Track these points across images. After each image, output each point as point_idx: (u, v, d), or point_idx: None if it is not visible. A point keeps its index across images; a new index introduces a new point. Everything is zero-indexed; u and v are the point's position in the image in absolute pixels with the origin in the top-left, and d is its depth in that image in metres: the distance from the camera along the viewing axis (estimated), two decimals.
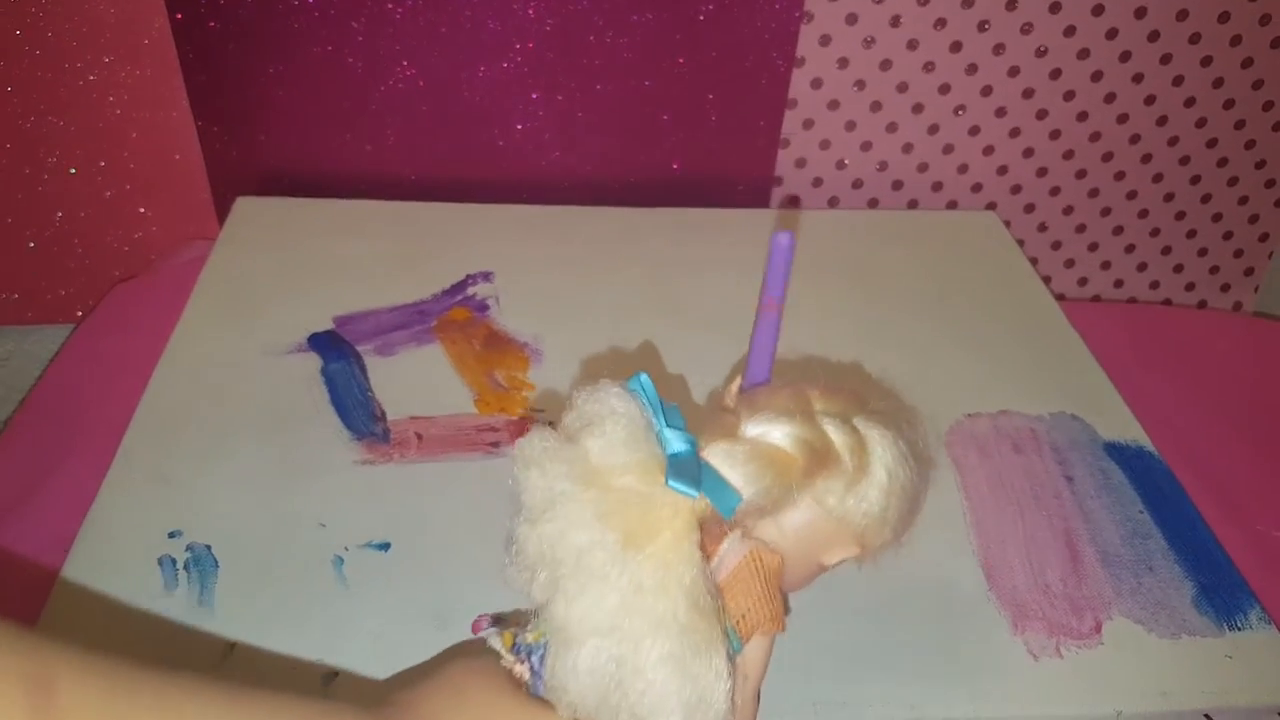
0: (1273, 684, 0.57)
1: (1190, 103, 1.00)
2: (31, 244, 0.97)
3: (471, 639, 0.45)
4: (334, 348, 0.75)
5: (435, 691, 0.40)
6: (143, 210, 0.97)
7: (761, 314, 0.45)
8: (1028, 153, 1.03)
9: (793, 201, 1.02)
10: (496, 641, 0.42)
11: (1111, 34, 0.95)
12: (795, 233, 0.44)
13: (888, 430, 0.42)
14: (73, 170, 0.94)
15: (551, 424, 0.41)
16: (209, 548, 0.59)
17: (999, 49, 0.96)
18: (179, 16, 0.87)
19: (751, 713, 0.42)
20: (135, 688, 0.31)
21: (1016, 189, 1.05)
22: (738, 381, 0.45)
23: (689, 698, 0.36)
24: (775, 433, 0.40)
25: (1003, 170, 1.04)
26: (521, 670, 0.41)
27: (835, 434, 0.41)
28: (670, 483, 0.37)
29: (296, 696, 0.36)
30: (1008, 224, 0.97)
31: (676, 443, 0.39)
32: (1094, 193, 1.06)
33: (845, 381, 0.69)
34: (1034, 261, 1.07)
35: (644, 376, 0.41)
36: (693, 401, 0.73)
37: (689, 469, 0.38)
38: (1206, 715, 0.56)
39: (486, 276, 0.83)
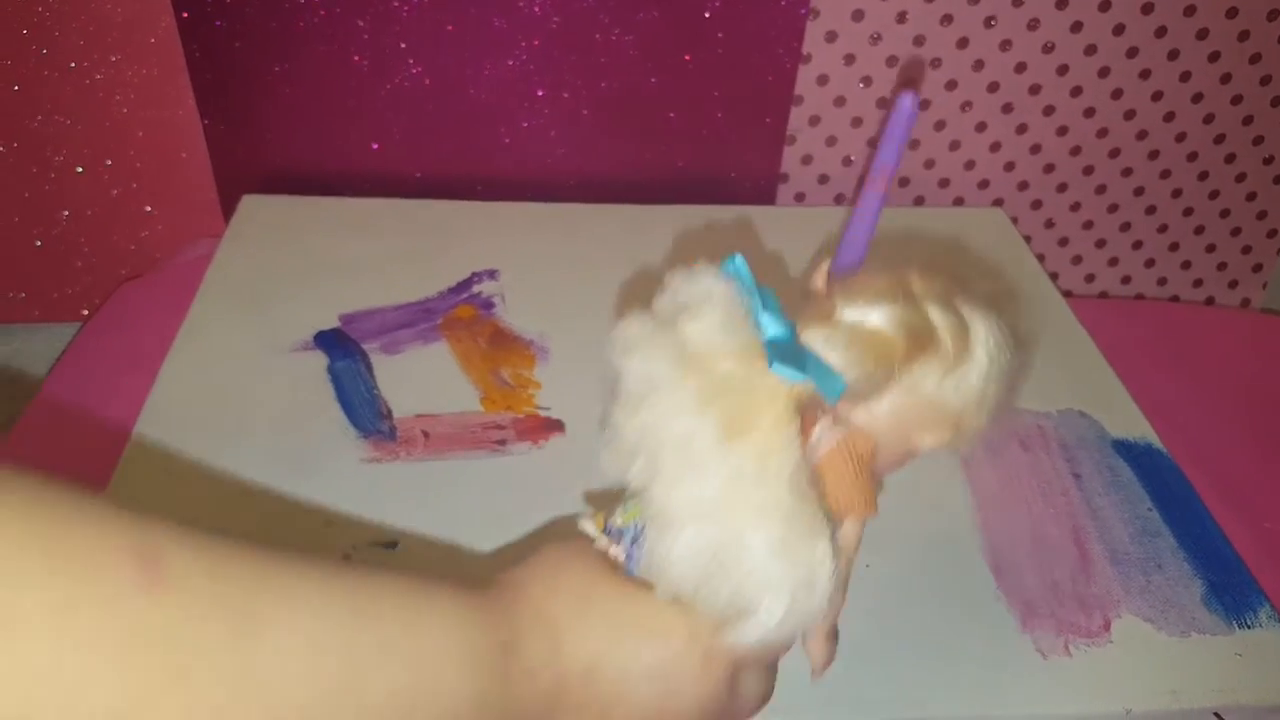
0: None
1: (1198, 98, 1.00)
2: (38, 242, 0.97)
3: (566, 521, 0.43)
4: (340, 346, 0.75)
5: (535, 570, 0.40)
6: (149, 209, 0.97)
7: (867, 187, 0.42)
8: (1035, 149, 1.02)
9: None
10: (589, 525, 0.42)
11: (1119, 30, 0.95)
12: (919, 96, 0.41)
13: (989, 313, 0.41)
14: (79, 169, 0.94)
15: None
16: None
17: (1005, 45, 0.95)
18: (185, 15, 0.87)
19: (840, 596, 0.41)
20: (241, 563, 0.31)
21: (1023, 185, 1.05)
22: (826, 263, 0.43)
23: (794, 582, 0.36)
24: (875, 315, 0.39)
25: (1009, 167, 1.03)
26: (616, 552, 0.41)
27: (937, 316, 0.40)
28: (774, 368, 0.36)
29: (398, 574, 0.36)
30: (1015, 220, 0.97)
31: (775, 326, 0.38)
32: (1101, 189, 1.06)
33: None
34: (1041, 258, 1.07)
35: (739, 259, 0.40)
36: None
37: (791, 353, 0.37)
38: (1216, 714, 0.55)
39: (492, 274, 0.83)
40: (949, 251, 0.90)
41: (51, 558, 0.26)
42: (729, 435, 0.36)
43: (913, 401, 0.40)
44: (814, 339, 0.38)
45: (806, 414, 0.39)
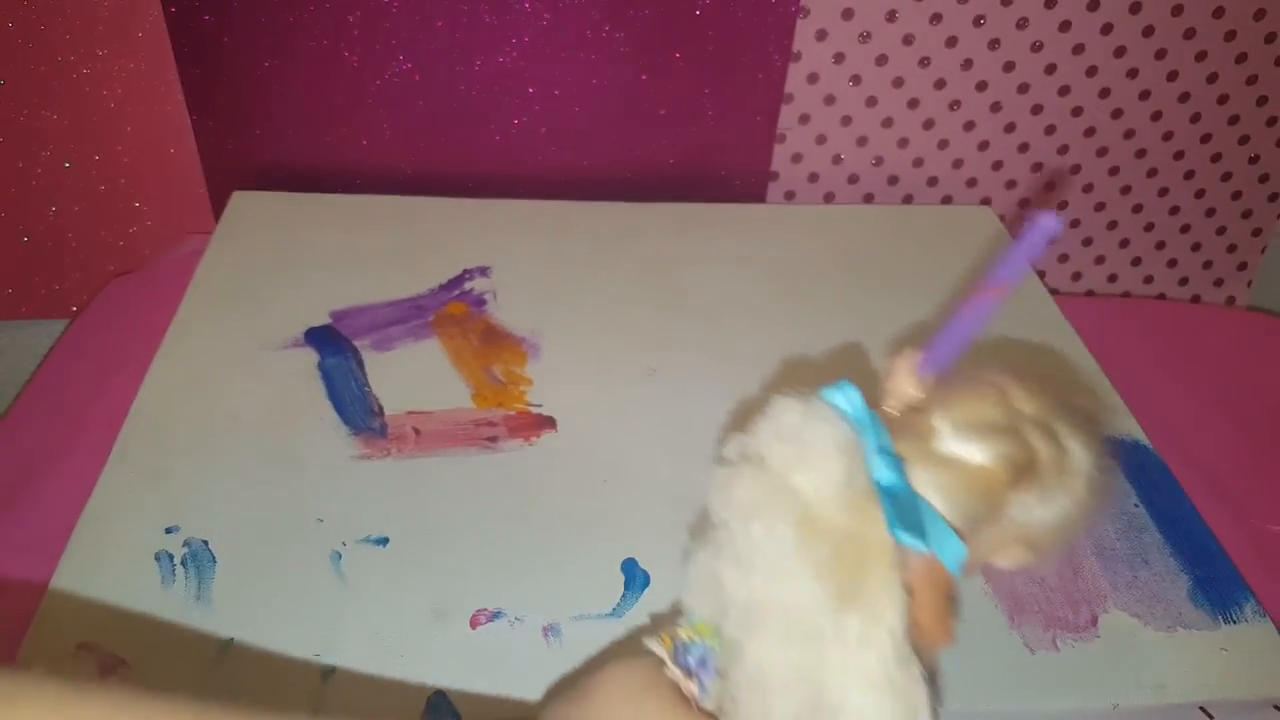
0: (1267, 676, 0.57)
1: (1184, 98, 1.01)
2: (25, 238, 0.97)
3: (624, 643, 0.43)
4: (331, 343, 0.74)
5: (607, 701, 0.38)
6: (137, 205, 0.97)
7: (981, 295, 0.39)
8: (1022, 148, 1.03)
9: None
10: (658, 647, 0.40)
11: (1106, 29, 0.95)
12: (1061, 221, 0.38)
13: (1090, 441, 0.40)
14: (67, 164, 0.93)
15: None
16: (206, 543, 0.59)
17: (994, 44, 0.96)
18: (173, 10, 0.87)
19: None
20: None
21: (1011, 184, 1.05)
22: (910, 359, 0.41)
23: None
24: (982, 451, 0.37)
25: (997, 165, 1.04)
26: (690, 686, 0.39)
27: (1039, 445, 0.38)
28: (899, 537, 0.35)
29: None
30: (1002, 218, 0.98)
31: (888, 472, 0.36)
32: (1088, 188, 1.06)
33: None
34: None
35: (851, 390, 0.38)
36: (695, 398, 0.73)
37: (911, 515, 0.36)
38: (1202, 708, 0.56)
39: (484, 271, 0.83)
40: (938, 250, 0.91)
41: None
42: (841, 600, 0.35)
43: (1000, 527, 0.39)
44: (925, 486, 0.37)
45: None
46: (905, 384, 0.40)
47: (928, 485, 0.37)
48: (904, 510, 0.36)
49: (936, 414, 0.38)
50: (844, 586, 0.35)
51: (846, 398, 0.38)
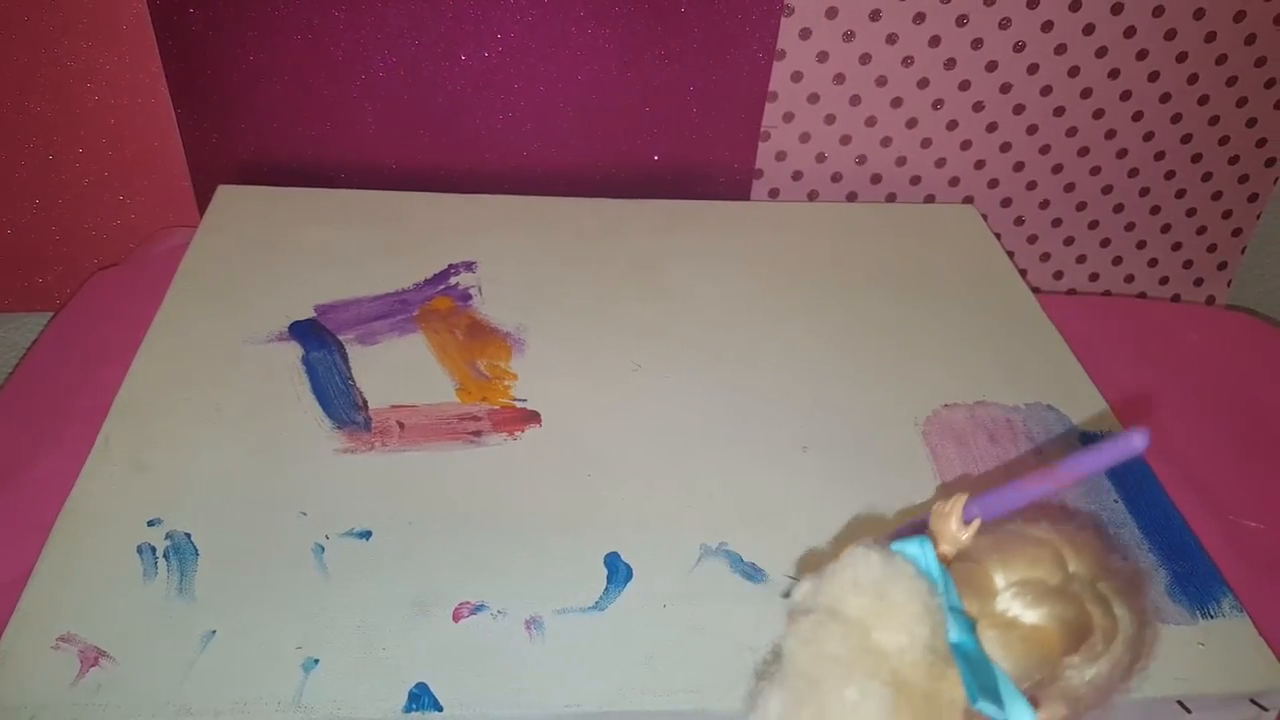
0: (1244, 671, 0.58)
1: (1165, 98, 1.02)
2: (8, 230, 0.96)
3: None
4: (315, 336, 0.74)
5: None
6: (121, 198, 0.96)
7: (1048, 476, 0.41)
8: (1005, 147, 1.04)
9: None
10: None
11: (1088, 29, 0.96)
12: (1149, 438, 0.39)
13: (1135, 605, 0.41)
14: (50, 157, 0.93)
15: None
16: (188, 536, 0.59)
17: (977, 44, 0.96)
18: (158, 2, 0.87)
19: None
20: None
21: (994, 183, 1.06)
22: (958, 503, 0.43)
23: None
24: (1039, 614, 0.38)
25: (980, 165, 1.05)
26: None
27: (1095, 613, 0.39)
28: (981, 705, 0.36)
29: None
30: (985, 218, 0.98)
31: (962, 634, 0.37)
32: (1070, 187, 1.07)
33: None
34: (1010, 255, 1.08)
35: (927, 545, 0.39)
36: (678, 405, 0.73)
37: (987, 680, 0.37)
38: (1180, 702, 0.56)
39: (469, 266, 0.83)
40: (921, 248, 0.92)
41: None
42: None
43: (1052, 687, 0.40)
44: (990, 644, 0.38)
45: None
46: (953, 527, 0.42)
47: (994, 645, 0.38)
48: (980, 674, 0.37)
49: (995, 570, 0.39)
50: None
51: (923, 553, 0.39)
